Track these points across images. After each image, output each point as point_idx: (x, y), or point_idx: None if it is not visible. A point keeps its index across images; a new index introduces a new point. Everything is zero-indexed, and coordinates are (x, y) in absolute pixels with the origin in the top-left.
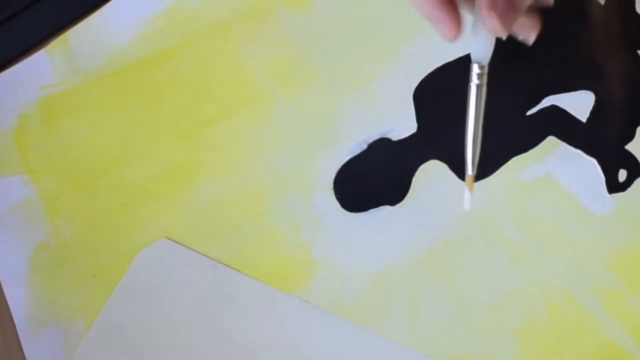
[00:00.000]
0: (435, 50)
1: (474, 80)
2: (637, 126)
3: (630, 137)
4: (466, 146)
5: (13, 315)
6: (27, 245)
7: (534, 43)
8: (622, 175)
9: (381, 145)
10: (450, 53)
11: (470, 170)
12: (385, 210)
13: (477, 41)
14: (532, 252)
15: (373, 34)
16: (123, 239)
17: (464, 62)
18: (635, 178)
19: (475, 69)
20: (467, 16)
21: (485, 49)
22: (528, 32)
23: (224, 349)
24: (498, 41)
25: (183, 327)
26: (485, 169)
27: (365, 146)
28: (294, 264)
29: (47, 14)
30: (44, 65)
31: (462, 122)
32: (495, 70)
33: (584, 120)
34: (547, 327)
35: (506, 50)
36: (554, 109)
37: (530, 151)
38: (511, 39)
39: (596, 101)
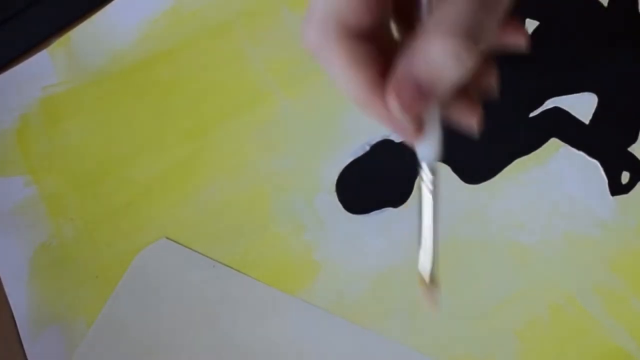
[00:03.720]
0: None
1: (427, 185)
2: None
3: (633, 139)
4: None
5: (14, 315)
6: (28, 245)
7: (537, 45)
8: (625, 177)
9: (384, 147)
10: None
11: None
12: (388, 212)
13: (423, 140)
14: (534, 253)
15: None
16: (126, 239)
17: None
18: (638, 180)
19: (426, 172)
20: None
21: (432, 147)
22: (467, 119)
23: (224, 349)
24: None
25: (183, 327)
26: (488, 171)
27: (368, 148)
28: (297, 265)
29: (49, 13)
30: (46, 66)
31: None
32: (499, 72)
33: (586, 122)
34: (549, 329)
35: (509, 53)
36: (556, 111)
37: (533, 153)
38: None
39: (599, 103)
